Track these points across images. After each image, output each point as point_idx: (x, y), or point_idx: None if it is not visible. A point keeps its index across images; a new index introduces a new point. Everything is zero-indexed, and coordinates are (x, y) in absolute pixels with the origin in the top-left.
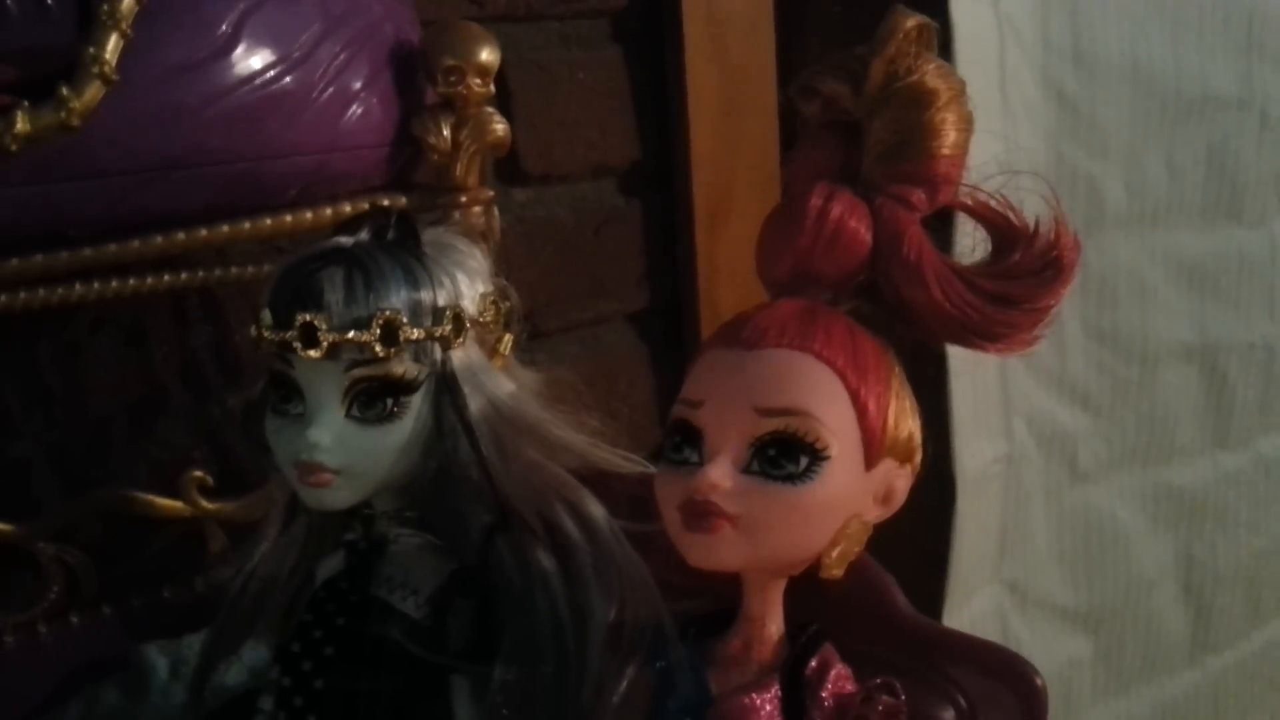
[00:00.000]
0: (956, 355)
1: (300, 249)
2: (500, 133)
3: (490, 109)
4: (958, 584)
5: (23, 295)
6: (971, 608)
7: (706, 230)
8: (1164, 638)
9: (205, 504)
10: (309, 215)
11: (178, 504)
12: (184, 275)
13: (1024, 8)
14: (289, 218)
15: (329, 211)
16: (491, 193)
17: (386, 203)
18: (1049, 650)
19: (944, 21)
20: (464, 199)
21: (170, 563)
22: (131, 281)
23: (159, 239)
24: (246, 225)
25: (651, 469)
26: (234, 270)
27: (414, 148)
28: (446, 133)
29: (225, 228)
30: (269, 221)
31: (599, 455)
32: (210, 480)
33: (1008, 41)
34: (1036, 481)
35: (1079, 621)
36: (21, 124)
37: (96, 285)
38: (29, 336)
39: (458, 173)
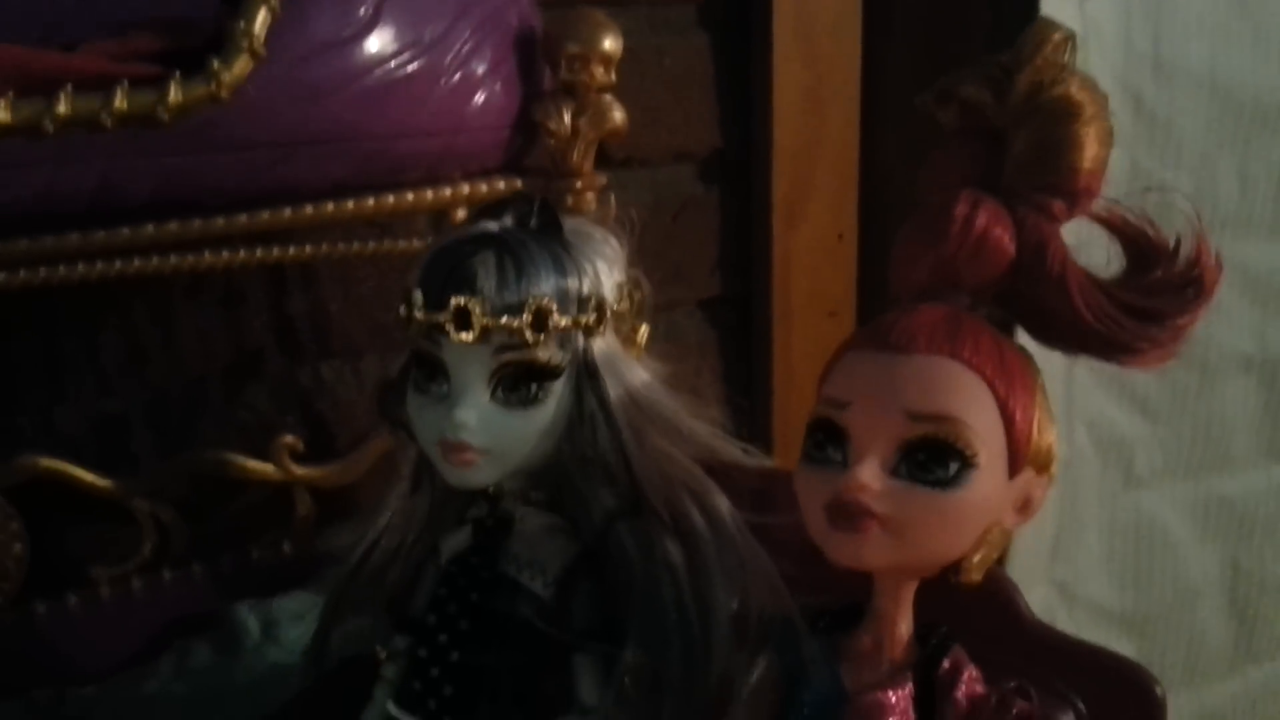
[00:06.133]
0: None
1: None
2: (618, 120)
3: (609, 96)
4: None
5: (136, 263)
6: None
7: (783, 222)
8: (1207, 646)
9: (295, 469)
10: (429, 194)
11: (268, 467)
12: (289, 250)
13: (1109, 12)
14: (410, 196)
15: (448, 192)
16: (605, 179)
17: (517, 186)
18: None
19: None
20: (579, 184)
21: (258, 524)
22: (241, 254)
23: (288, 211)
24: (371, 201)
25: (769, 462)
26: (337, 247)
27: (531, 132)
28: (567, 119)
29: (351, 203)
30: (392, 199)
31: (721, 446)
32: (301, 445)
33: (1090, 44)
34: (1092, 485)
35: (1124, 625)
36: (175, 94)
37: (207, 255)
38: (128, 299)
39: (574, 158)
